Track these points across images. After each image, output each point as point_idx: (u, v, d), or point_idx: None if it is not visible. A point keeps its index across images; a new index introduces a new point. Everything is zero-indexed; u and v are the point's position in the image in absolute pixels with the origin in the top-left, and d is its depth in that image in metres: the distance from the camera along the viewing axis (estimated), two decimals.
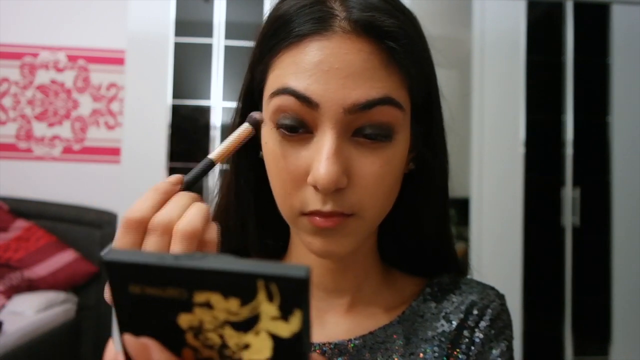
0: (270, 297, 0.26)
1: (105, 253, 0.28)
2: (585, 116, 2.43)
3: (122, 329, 0.29)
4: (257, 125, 0.45)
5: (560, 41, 2.44)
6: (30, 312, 2.20)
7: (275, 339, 0.27)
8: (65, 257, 2.52)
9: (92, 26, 2.85)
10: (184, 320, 0.28)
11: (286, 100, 0.45)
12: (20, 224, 2.57)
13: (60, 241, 2.58)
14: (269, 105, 0.47)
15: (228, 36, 2.32)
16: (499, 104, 2.36)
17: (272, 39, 0.47)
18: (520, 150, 2.36)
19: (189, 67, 2.33)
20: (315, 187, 0.45)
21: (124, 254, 0.28)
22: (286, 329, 0.27)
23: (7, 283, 2.33)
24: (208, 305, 0.27)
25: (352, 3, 0.45)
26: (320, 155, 0.44)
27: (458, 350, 0.52)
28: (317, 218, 0.46)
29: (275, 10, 0.48)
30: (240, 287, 0.26)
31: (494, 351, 0.53)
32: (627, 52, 2.44)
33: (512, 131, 2.36)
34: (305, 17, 0.45)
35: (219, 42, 2.33)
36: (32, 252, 2.47)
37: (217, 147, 0.43)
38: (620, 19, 2.44)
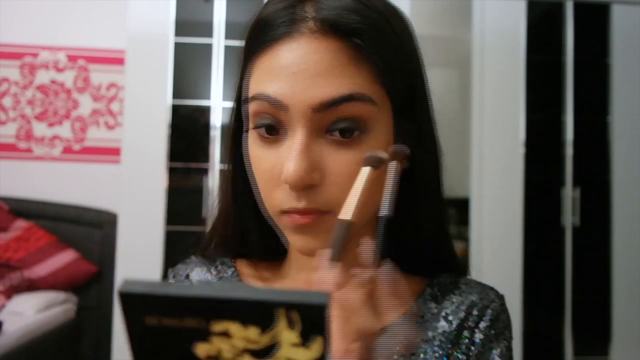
0: (291, 325, 0.26)
1: (121, 285, 0.28)
2: (585, 116, 2.43)
3: None
4: (379, 165, 0.43)
5: (560, 41, 2.44)
6: (30, 312, 2.20)
7: None
8: (65, 257, 2.52)
9: (92, 26, 2.85)
10: (202, 349, 0.28)
11: (261, 105, 0.47)
12: (20, 224, 2.57)
13: (60, 241, 2.58)
14: (249, 109, 0.49)
15: (228, 36, 2.32)
16: (499, 104, 2.36)
17: (251, 45, 0.49)
18: (520, 150, 2.36)
19: (189, 67, 2.33)
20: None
21: (141, 286, 0.28)
22: (306, 356, 0.27)
23: (7, 283, 2.33)
24: (226, 334, 0.27)
25: (323, 4, 0.46)
26: (291, 154, 0.45)
27: (458, 350, 0.52)
28: (295, 215, 0.47)
29: (255, 16, 0.50)
30: (260, 315, 0.27)
31: (494, 352, 0.53)
32: (627, 52, 2.44)
33: (512, 131, 2.36)
34: (279, 21, 0.46)
35: (219, 42, 2.33)
36: (32, 252, 2.47)
37: (349, 204, 0.40)
38: (620, 19, 2.44)
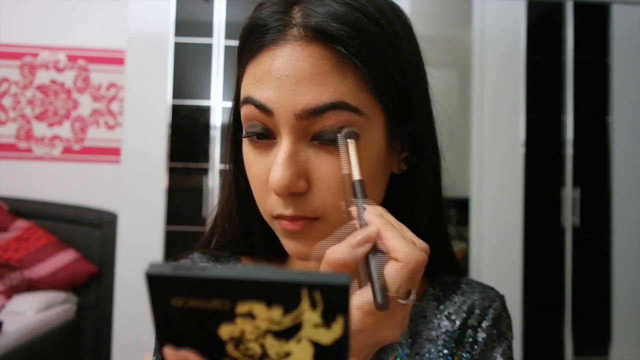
0: (313, 305, 0.27)
1: (148, 267, 0.28)
2: (585, 116, 2.43)
3: (162, 342, 0.30)
4: (356, 137, 0.45)
5: (560, 41, 2.44)
6: (30, 312, 2.20)
7: (317, 346, 0.28)
8: (65, 257, 2.52)
9: (92, 26, 2.85)
10: (225, 330, 0.29)
11: (249, 109, 0.47)
12: (20, 224, 2.57)
13: (60, 241, 2.58)
14: (241, 113, 0.49)
15: (228, 36, 2.32)
16: (499, 104, 2.36)
17: (242, 51, 0.50)
18: (520, 150, 2.36)
19: (189, 67, 2.33)
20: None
21: (167, 268, 0.28)
22: (328, 336, 0.28)
23: (7, 283, 2.33)
24: (250, 315, 0.28)
25: (311, 10, 0.45)
26: (276, 161, 0.45)
27: (462, 349, 0.53)
28: (284, 221, 0.47)
29: (247, 19, 0.50)
30: (284, 296, 0.27)
31: (496, 351, 0.53)
32: (627, 52, 2.44)
33: (512, 131, 2.36)
34: (267, 27, 0.46)
35: (219, 42, 2.33)
36: (32, 252, 2.47)
37: (353, 166, 0.43)
38: (620, 19, 2.44)
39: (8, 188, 2.71)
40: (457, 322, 0.54)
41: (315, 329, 0.27)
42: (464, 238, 2.37)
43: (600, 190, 2.43)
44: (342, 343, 0.28)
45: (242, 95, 0.48)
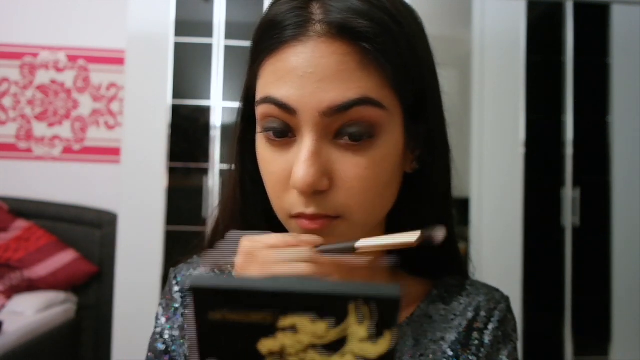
0: (361, 319, 0.26)
1: (192, 279, 0.27)
2: (585, 116, 2.43)
3: (200, 356, 0.29)
4: (428, 244, 0.41)
5: (560, 41, 2.44)
6: (30, 312, 2.20)
7: None
8: (65, 257, 2.52)
9: (92, 26, 2.85)
10: (265, 345, 0.27)
11: (269, 108, 0.46)
12: (20, 224, 2.57)
13: (60, 241, 2.58)
14: (257, 112, 0.48)
15: (228, 36, 2.32)
16: (499, 104, 2.36)
17: (258, 47, 0.49)
18: (520, 150, 2.36)
19: (189, 67, 2.33)
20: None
21: (211, 280, 0.27)
22: (374, 350, 0.26)
23: (7, 283, 2.33)
24: (293, 329, 0.27)
25: (331, 7, 0.45)
26: (299, 159, 0.45)
27: (468, 351, 0.53)
28: (304, 220, 0.47)
29: (264, 16, 0.49)
30: (330, 309, 0.26)
31: (502, 353, 0.53)
32: (627, 52, 2.44)
33: (512, 131, 2.36)
34: (286, 23, 0.46)
35: (219, 42, 2.33)
36: (32, 252, 2.47)
37: (370, 242, 0.41)
38: (620, 19, 2.44)
39: (8, 188, 2.71)
40: (463, 324, 0.54)
41: (361, 343, 0.26)
42: (464, 238, 2.37)
43: (600, 190, 2.43)
44: (388, 358, 0.26)
45: (261, 94, 0.47)
